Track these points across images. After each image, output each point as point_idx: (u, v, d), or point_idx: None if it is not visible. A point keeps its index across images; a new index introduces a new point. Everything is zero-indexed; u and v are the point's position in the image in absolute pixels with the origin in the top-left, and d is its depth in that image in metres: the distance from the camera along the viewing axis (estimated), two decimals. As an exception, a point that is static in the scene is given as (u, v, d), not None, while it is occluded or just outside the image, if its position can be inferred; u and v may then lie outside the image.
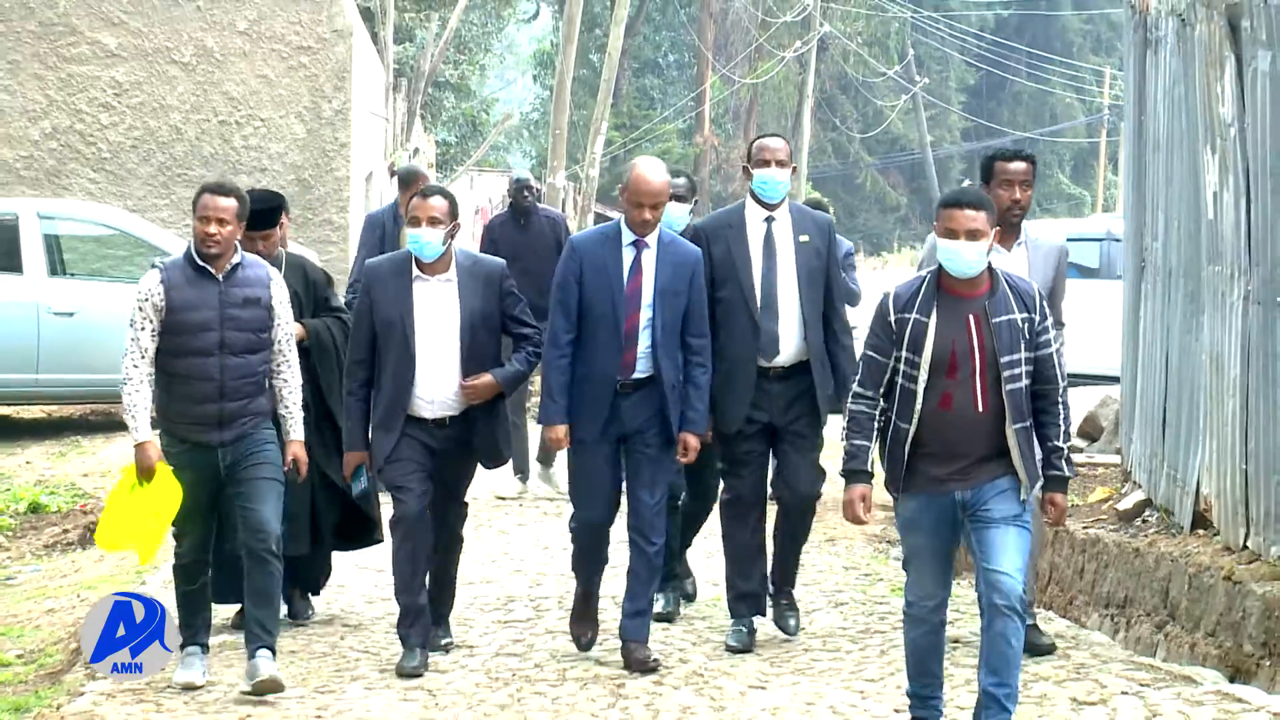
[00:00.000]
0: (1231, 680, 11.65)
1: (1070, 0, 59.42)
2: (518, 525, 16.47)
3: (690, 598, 12.25)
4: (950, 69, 60.43)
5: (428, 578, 10.68)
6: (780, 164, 10.47)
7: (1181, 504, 13.46)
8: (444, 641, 10.71)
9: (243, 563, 9.97)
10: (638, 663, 10.17)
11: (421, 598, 10.40)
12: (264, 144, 26.42)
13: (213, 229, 9.60)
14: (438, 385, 10.22)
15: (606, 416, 10.09)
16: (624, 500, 11.11)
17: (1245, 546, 12.19)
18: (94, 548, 16.54)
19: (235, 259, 9.68)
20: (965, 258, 8.01)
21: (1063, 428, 8.22)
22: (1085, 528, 14.39)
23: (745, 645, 10.74)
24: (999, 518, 8.13)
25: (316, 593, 12.08)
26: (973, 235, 7.97)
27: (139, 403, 9.64)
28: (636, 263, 9.99)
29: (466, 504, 11.12)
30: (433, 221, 10.07)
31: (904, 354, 8.10)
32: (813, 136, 54.11)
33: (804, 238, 10.44)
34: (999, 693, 8.07)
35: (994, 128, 61.38)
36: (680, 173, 11.08)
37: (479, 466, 11.03)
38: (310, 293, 11.70)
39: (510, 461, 11.92)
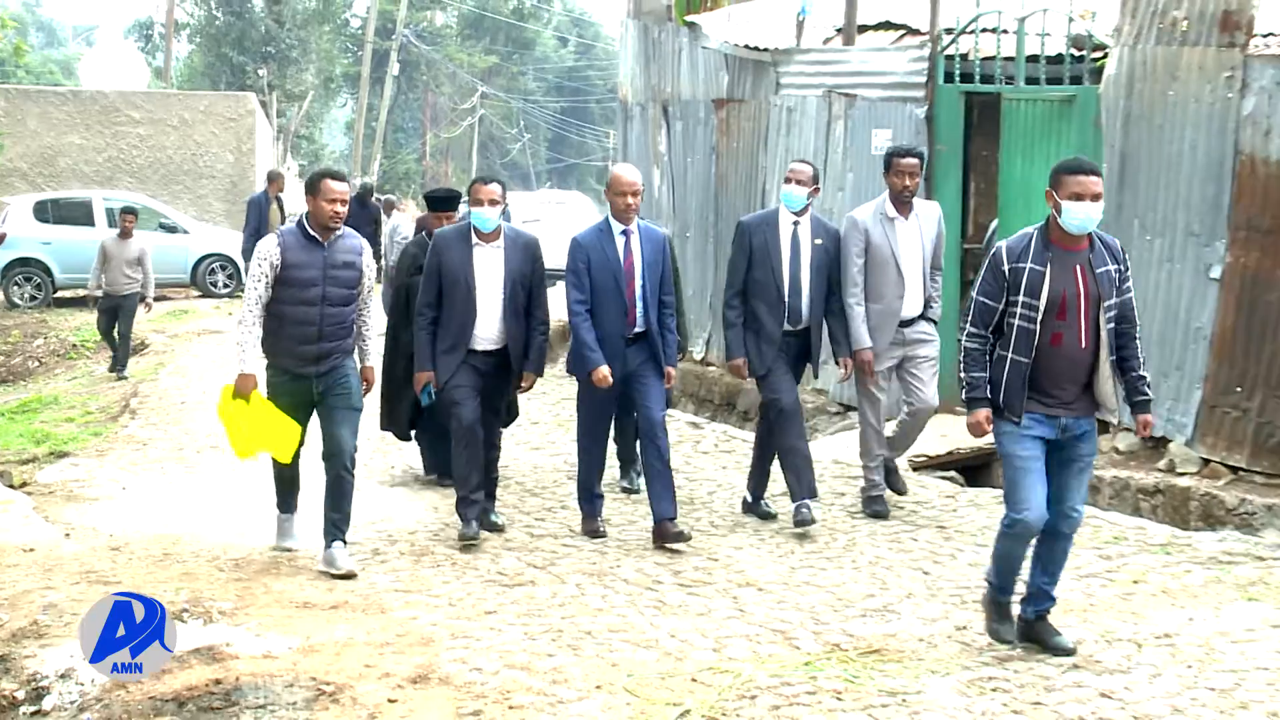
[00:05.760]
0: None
1: (595, 99, 59.77)
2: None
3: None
4: (540, 131, 60.46)
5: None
6: (800, 183, 7.59)
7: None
8: (499, 521, 7.56)
9: (328, 472, 6.77)
10: (672, 536, 7.10)
11: (476, 488, 7.33)
12: (213, 164, 26.32)
13: (340, 209, 6.67)
14: (488, 326, 7.24)
15: (620, 363, 7.28)
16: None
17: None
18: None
19: (339, 231, 6.74)
20: (1093, 217, 5.29)
21: (1141, 358, 5.54)
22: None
23: (811, 519, 7.41)
24: (1079, 456, 5.48)
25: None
26: (1096, 197, 5.29)
27: (249, 340, 6.66)
28: (627, 246, 7.29)
29: (502, 417, 7.95)
30: (493, 203, 7.24)
31: (1021, 298, 5.35)
32: (477, 164, 53.64)
33: (818, 241, 7.63)
34: (1049, 588, 5.59)
35: (562, 158, 61.82)
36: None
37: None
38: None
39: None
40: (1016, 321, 5.34)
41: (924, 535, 7.26)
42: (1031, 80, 9.57)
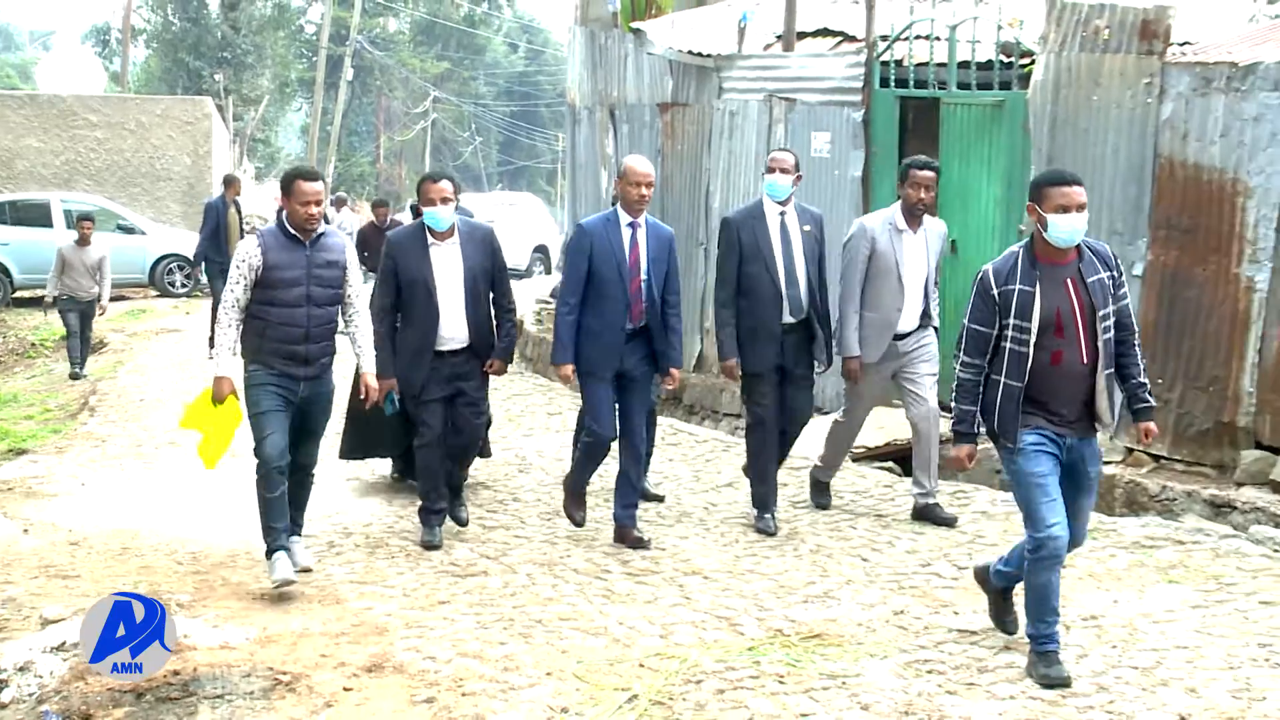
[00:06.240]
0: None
1: (544, 103, 59.27)
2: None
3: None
4: (492, 134, 59.92)
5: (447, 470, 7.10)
6: (784, 172, 7.12)
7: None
8: (463, 513, 7.31)
9: (295, 475, 6.35)
10: (632, 540, 6.86)
11: (440, 500, 6.99)
12: (170, 167, 25.88)
13: (315, 210, 6.13)
14: (453, 325, 6.80)
15: (617, 356, 6.72)
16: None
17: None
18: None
19: (320, 230, 6.23)
20: (1079, 228, 4.83)
21: (1142, 365, 5.09)
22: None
23: (773, 530, 7.12)
24: (1087, 478, 5.04)
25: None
26: (1081, 208, 4.82)
27: (225, 343, 6.16)
28: (633, 239, 6.71)
29: (488, 413, 7.47)
30: (444, 200, 6.75)
31: (1012, 321, 4.89)
32: (430, 167, 53.18)
33: (806, 228, 7.17)
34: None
35: (513, 161, 61.19)
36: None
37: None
38: None
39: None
40: (1008, 345, 4.93)
41: (863, 524, 7.28)
42: (963, 86, 9.64)
